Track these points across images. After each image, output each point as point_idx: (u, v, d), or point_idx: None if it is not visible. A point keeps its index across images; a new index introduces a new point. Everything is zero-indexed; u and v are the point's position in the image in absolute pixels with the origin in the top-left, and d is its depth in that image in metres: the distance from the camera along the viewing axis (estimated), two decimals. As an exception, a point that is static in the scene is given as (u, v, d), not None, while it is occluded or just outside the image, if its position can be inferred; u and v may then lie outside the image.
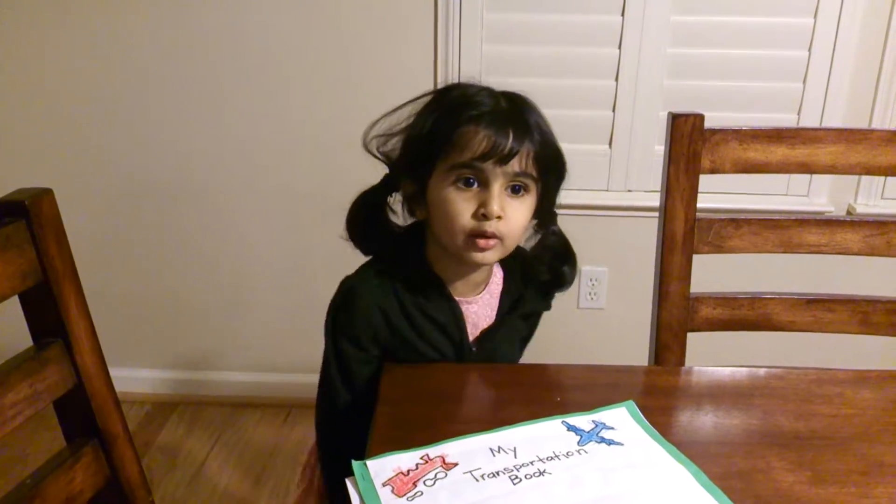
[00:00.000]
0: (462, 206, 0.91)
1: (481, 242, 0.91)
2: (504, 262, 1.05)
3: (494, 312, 1.05)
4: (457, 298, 1.01)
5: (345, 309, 0.98)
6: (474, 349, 1.03)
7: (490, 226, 0.90)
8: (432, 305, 0.99)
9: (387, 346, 0.99)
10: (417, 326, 0.99)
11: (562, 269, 1.05)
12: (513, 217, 0.92)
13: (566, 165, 0.99)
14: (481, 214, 0.90)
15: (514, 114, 0.93)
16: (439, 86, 0.99)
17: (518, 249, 1.03)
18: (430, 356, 1.00)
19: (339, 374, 0.99)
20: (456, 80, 1.00)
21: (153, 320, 2.17)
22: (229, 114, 1.93)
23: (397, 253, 1.01)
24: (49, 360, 0.75)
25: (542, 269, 1.05)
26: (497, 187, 0.91)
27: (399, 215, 1.02)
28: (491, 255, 0.94)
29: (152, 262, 2.10)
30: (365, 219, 1.01)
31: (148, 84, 1.92)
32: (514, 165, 0.90)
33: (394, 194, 1.01)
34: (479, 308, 1.03)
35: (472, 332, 1.03)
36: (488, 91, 0.95)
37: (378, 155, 0.99)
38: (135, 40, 1.88)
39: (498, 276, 1.06)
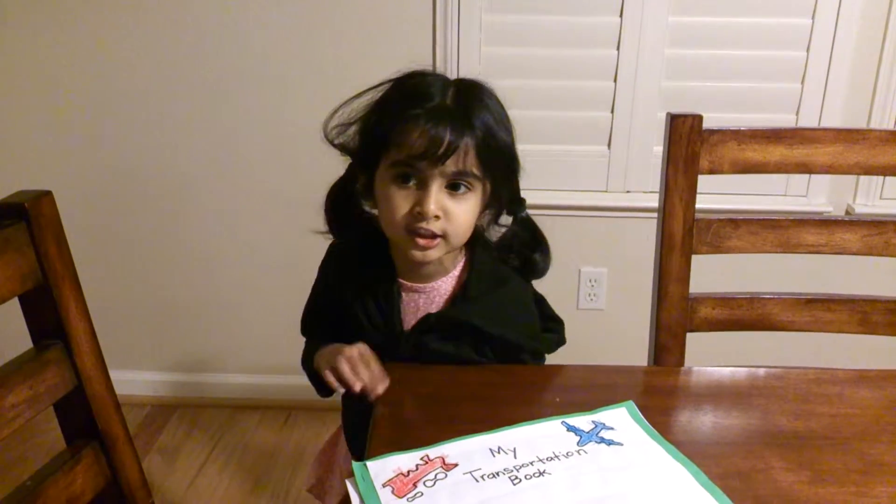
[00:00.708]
0: (400, 202, 0.92)
1: (421, 241, 0.92)
2: (472, 260, 1.04)
3: (440, 305, 1.03)
4: (404, 282, 1.02)
5: (327, 259, 1.10)
6: (408, 336, 1.01)
7: (427, 224, 0.91)
8: (377, 281, 1.01)
9: (340, 304, 1.04)
10: (361, 296, 1.01)
11: (532, 256, 1.04)
12: (454, 215, 0.92)
13: (515, 160, 0.98)
14: (417, 213, 0.91)
15: (458, 109, 0.91)
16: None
17: (485, 243, 1.03)
18: (367, 329, 1.01)
19: (312, 293, 1.13)
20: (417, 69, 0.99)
21: (153, 322, 2.17)
22: (230, 117, 1.93)
23: (372, 233, 1.02)
24: (49, 362, 0.75)
25: (512, 258, 1.05)
26: (435, 186, 0.90)
27: None
28: (434, 252, 0.94)
29: (152, 265, 2.10)
30: (338, 209, 1.04)
31: (147, 87, 1.92)
32: (452, 164, 0.90)
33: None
34: (427, 297, 1.02)
35: (413, 321, 1.02)
36: (441, 83, 0.95)
37: (335, 145, 1.00)
38: (136, 42, 1.88)
39: (456, 271, 1.03)
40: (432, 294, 1.02)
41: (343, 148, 1.00)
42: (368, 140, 0.96)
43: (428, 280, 1.02)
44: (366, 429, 0.85)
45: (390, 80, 0.97)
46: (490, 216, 1.01)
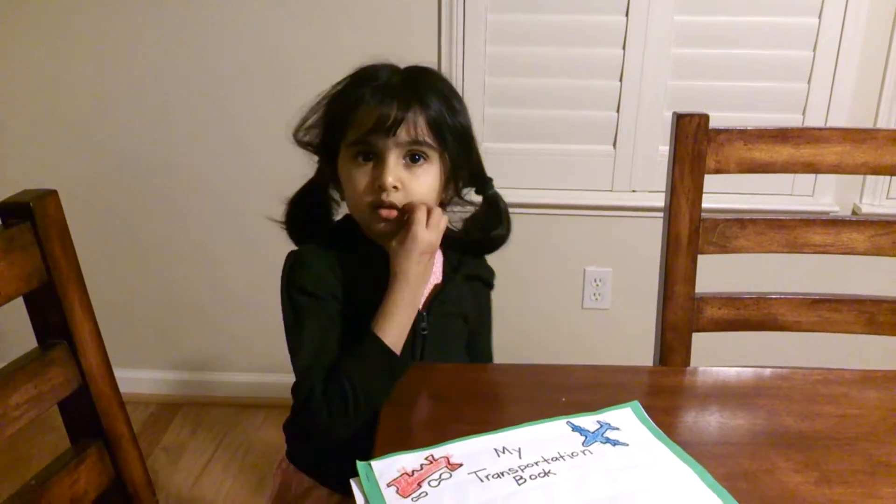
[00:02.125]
0: (361, 180, 0.95)
1: (384, 213, 0.94)
2: (446, 259, 1.06)
3: (438, 279, 1.05)
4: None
5: (298, 267, 0.97)
6: (425, 314, 1.01)
7: (388, 196, 0.93)
8: (377, 273, 0.96)
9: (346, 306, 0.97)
10: (362, 294, 0.96)
11: (489, 235, 1.06)
12: (413, 186, 0.95)
13: (468, 132, 1.00)
14: (377, 187, 0.93)
15: (405, 85, 0.95)
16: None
17: (453, 242, 1.05)
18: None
19: (305, 331, 0.94)
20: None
21: (157, 321, 2.18)
22: (235, 116, 1.94)
23: (335, 236, 1.03)
24: (54, 361, 0.75)
25: (473, 235, 1.07)
26: (392, 159, 0.93)
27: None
28: (397, 224, 0.96)
29: (157, 263, 2.11)
30: (306, 210, 1.06)
31: (152, 86, 1.92)
32: (404, 134, 0.92)
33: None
34: None
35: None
36: (389, 68, 0.98)
37: (301, 143, 1.03)
38: (141, 41, 1.88)
39: (436, 267, 1.04)
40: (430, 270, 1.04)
41: (308, 145, 1.03)
42: (327, 129, 1.00)
43: None
44: (337, 456, 0.79)
45: (344, 79, 1.01)
46: (452, 192, 1.03)
